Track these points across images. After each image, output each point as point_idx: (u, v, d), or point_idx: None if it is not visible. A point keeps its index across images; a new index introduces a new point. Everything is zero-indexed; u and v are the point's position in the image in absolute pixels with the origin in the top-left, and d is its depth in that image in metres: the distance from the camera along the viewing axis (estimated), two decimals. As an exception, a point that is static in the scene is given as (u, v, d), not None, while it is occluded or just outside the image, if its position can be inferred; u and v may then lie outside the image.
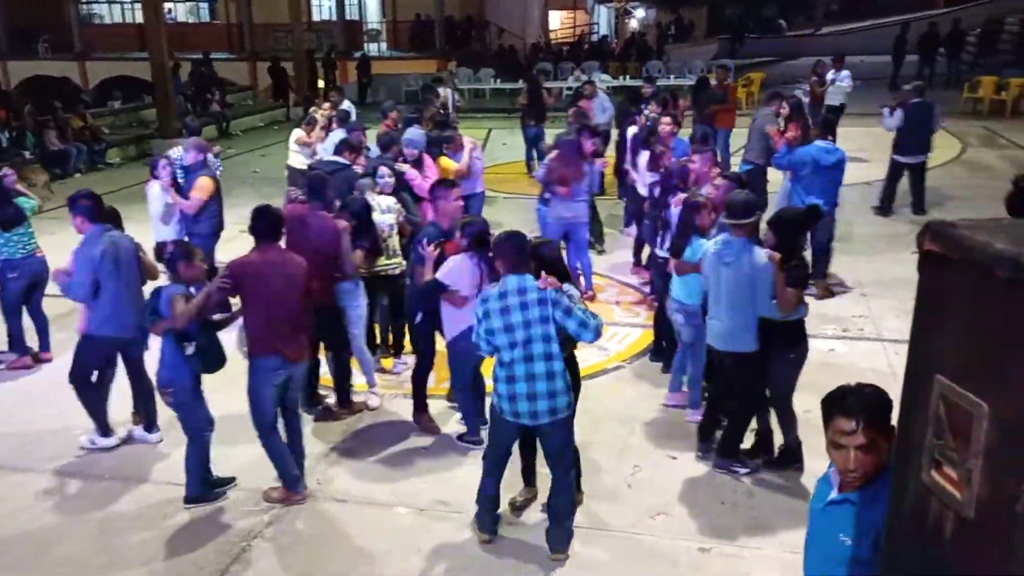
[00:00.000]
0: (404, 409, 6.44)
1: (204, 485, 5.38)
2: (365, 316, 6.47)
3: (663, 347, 6.94)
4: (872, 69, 22.76)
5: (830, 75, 14.39)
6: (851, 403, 2.45)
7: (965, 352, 1.79)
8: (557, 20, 37.47)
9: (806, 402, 6.16)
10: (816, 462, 5.45)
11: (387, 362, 7.20)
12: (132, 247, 5.93)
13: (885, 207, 11.02)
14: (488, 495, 4.84)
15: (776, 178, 9.85)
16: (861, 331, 7.60)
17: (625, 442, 5.92)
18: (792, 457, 5.47)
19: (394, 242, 6.74)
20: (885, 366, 6.86)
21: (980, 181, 12.37)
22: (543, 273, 4.52)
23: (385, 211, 6.71)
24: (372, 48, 30.74)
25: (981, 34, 23.17)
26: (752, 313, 5.15)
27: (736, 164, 12.59)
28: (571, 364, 4.84)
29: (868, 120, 14.77)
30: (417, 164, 7.75)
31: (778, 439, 5.55)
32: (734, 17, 36.61)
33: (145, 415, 6.12)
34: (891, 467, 2.09)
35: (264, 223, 5.24)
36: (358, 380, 6.60)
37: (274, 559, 4.86)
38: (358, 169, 7.57)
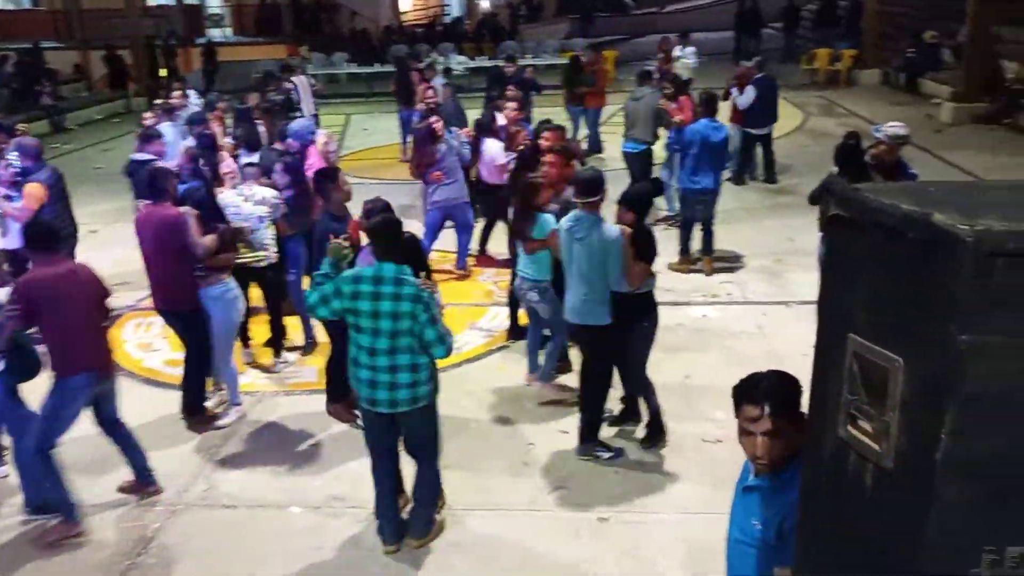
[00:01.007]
0: (286, 407, 6.26)
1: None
2: (233, 327, 6.07)
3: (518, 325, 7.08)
4: (717, 44, 23.65)
5: (676, 51, 14.87)
6: (759, 390, 2.49)
7: (877, 311, 1.86)
8: (408, 2, 37.03)
9: (685, 366, 6.43)
10: (695, 425, 5.65)
11: (266, 358, 6.95)
12: None
13: (740, 178, 11.49)
14: (383, 504, 4.66)
15: (660, 157, 10.11)
16: (730, 295, 7.92)
17: (517, 421, 5.95)
18: (658, 427, 5.55)
19: (262, 235, 6.47)
20: (754, 327, 7.18)
21: (823, 148, 12.98)
22: (423, 275, 4.41)
23: (258, 202, 6.45)
24: (216, 33, 29.45)
25: (818, 9, 24.44)
26: (605, 287, 5.20)
27: (609, 141, 12.92)
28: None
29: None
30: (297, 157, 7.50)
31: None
32: (582, -5, 37.19)
33: None
34: (806, 428, 2.16)
35: (34, 237, 4.88)
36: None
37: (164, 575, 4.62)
38: (165, 164, 7.21)
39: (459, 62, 21.38)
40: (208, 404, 6.19)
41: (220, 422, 6.03)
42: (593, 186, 5.30)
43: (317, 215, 6.19)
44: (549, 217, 5.85)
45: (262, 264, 6.49)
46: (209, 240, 5.75)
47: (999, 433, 1.70)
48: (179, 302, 5.86)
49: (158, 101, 10.99)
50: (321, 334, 6.63)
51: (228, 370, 6.10)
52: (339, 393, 5.90)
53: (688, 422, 5.72)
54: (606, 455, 5.44)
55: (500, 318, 7.51)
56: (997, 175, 10.66)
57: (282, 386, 6.58)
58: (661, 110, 9.50)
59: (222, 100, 11.01)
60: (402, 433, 4.55)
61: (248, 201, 6.42)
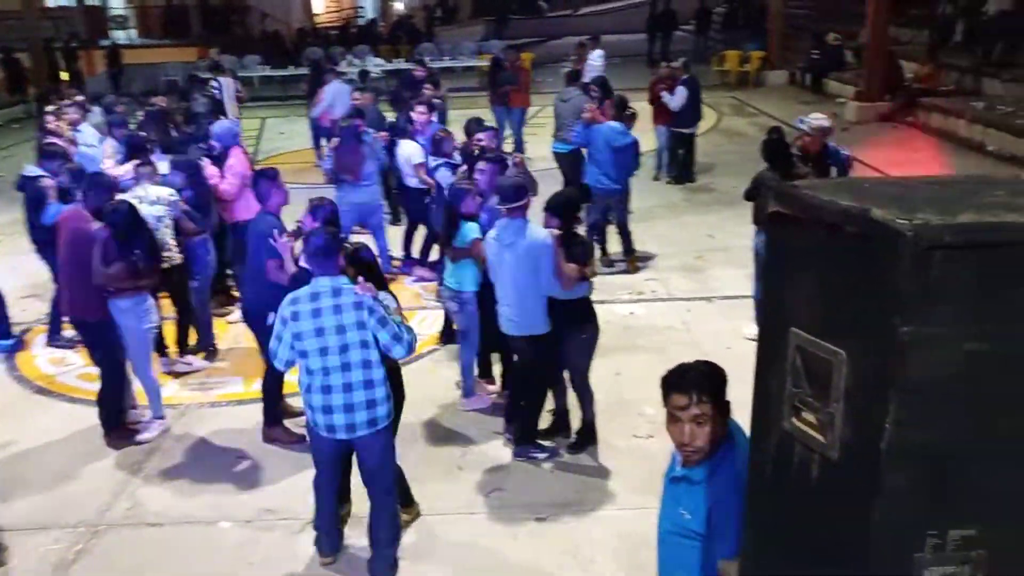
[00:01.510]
0: (212, 419, 6.10)
1: None
2: (147, 340, 5.78)
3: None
4: (630, 46, 24.06)
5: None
6: (687, 379, 2.54)
7: (819, 305, 1.91)
8: (321, 3, 36.53)
9: (615, 364, 6.50)
10: (627, 422, 5.73)
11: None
12: None
13: (688, 174, 11.63)
14: (323, 516, 4.52)
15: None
16: (654, 292, 8.05)
17: (450, 424, 5.91)
18: (590, 435, 5.54)
19: (161, 235, 6.33)
20: (680, 323, 7.32)
21: (737, 147, 13.43)
22: (361, 279, 4.24)
23: (153, 202, 6.35)
24: (120, 36, 28.48)
25: (725, 12, 25.11)
26: (539, 293, 5.14)
27: (531, 142, 12.97)
28: (394, 374, 4.57)
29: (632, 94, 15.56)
30: (218, 160, 7.31)
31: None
32: (497, -1, 37.39)
33: None
34: (751, 416, 2.20)
35: None
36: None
37: (88, 599, 4.44)
38: (49, 182, 6.94)
39: (376, 64, 21.19)
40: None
41: (141, 436, 5.82)
42: (516, 192, 5.25)
43: (256, 215, 6.00)
44: (473, 225, 5.75)
45: (164, 266, 6.34)
46: (114, 271, 5.43)
47: (939, 420, 1.76)
48: (85, 311, 5.65)
49: (49, 108, 10.41)
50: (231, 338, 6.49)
51: (148, 383, 5.87)
52: (277, 415, 5.75)
53: (620, 419, 5.79)
54: (541, 456, 5.45)
55: (429, 321, 7.46)
56: (902, 171, 11.12)
57: (207, 397, 6.40)
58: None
59: (120, 104, 10.67)
60: (358, 457, 4.40)
61: (143, 203, 6.28)
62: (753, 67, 19.77)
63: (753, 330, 7.18)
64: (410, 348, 4.24)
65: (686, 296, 7.90)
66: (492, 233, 5.35)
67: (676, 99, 11.05)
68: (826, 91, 17.94)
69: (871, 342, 1.78)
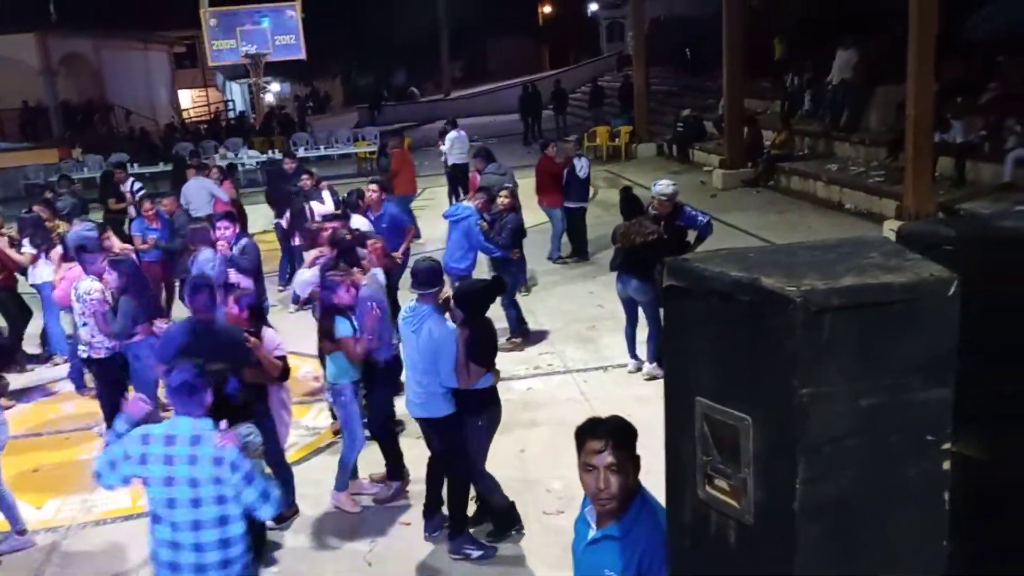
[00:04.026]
0: (99, 538, 5.73)
1: None
2: None
3: None
4: (505, 126, 24.74)
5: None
6: (600, 428, 2.64)
7: (720, 373, 1.97)
8: (189, 99, 36.12)
9: (518, 441, 6.49)
10: (535, 499, 5.69)
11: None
12: None
13: (585, 249, 11.83)
14: None
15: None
16: (551, 366, 8.12)
17: (356, 518, 5.72)
18: (507, 521, 5.35)
19: (85, 331, 6.65)
20: (578, 395, 7.39)
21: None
22: (223, 424, 3.75)
23: (78, 297, 6.67)
24: (-26, 141, 27.30)
25: (590, 91, 26.26)
26: (438, 380, 5.04)
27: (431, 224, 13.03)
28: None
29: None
30: None
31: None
32: (367, 87, 38.07)
33: None
34: (665, 487, 2.23)
35: None
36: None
37: None
38: None
39: (250, 156, 21.04)
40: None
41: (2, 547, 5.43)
42: (428, 277, 5.14)
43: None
44: (344, 322, 5.54)
45: (84, 356, 6.76)
46: None
47: (843, 474, 1.83)
48: None
49: None
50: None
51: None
52: None
53: (528, 496, 5.73)
54: (476, 554, 5.16)
55: (325, 414, 7.28)
56: (769, 231, 11.73)
57: (90, 516, 5.99)
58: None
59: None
60: None
61: (76, 298, 6.67)
62: (623, 141, 20.59)
63: (633, 364, 7.54)
64: (277, 507, 3.75)
65: (582, 367, 8.00)
66: (402, 313, 5.33)
67: (584, 168, 11.48)
68: (693, 160, 18.83)
69: (774, 405, 1.85)
